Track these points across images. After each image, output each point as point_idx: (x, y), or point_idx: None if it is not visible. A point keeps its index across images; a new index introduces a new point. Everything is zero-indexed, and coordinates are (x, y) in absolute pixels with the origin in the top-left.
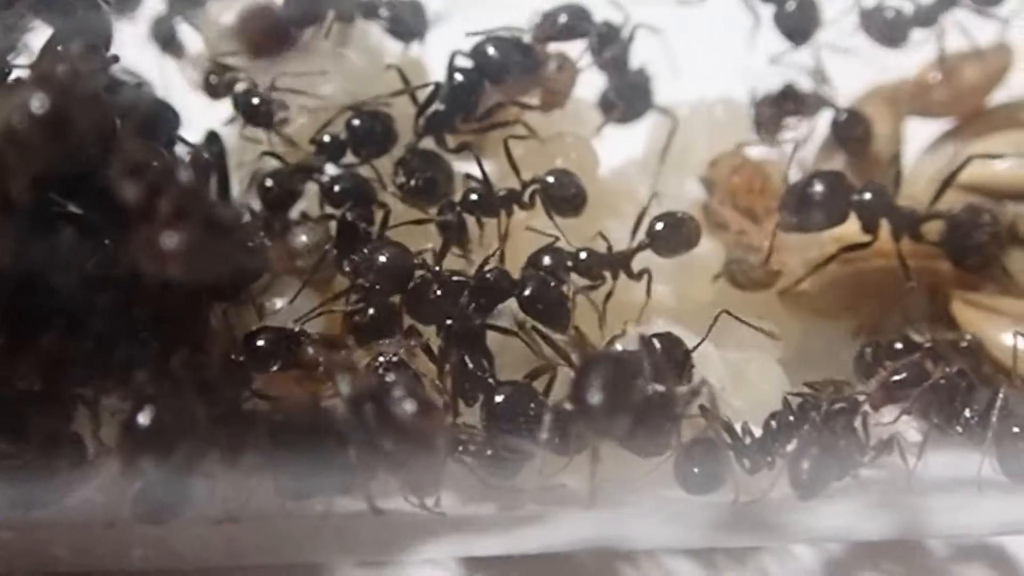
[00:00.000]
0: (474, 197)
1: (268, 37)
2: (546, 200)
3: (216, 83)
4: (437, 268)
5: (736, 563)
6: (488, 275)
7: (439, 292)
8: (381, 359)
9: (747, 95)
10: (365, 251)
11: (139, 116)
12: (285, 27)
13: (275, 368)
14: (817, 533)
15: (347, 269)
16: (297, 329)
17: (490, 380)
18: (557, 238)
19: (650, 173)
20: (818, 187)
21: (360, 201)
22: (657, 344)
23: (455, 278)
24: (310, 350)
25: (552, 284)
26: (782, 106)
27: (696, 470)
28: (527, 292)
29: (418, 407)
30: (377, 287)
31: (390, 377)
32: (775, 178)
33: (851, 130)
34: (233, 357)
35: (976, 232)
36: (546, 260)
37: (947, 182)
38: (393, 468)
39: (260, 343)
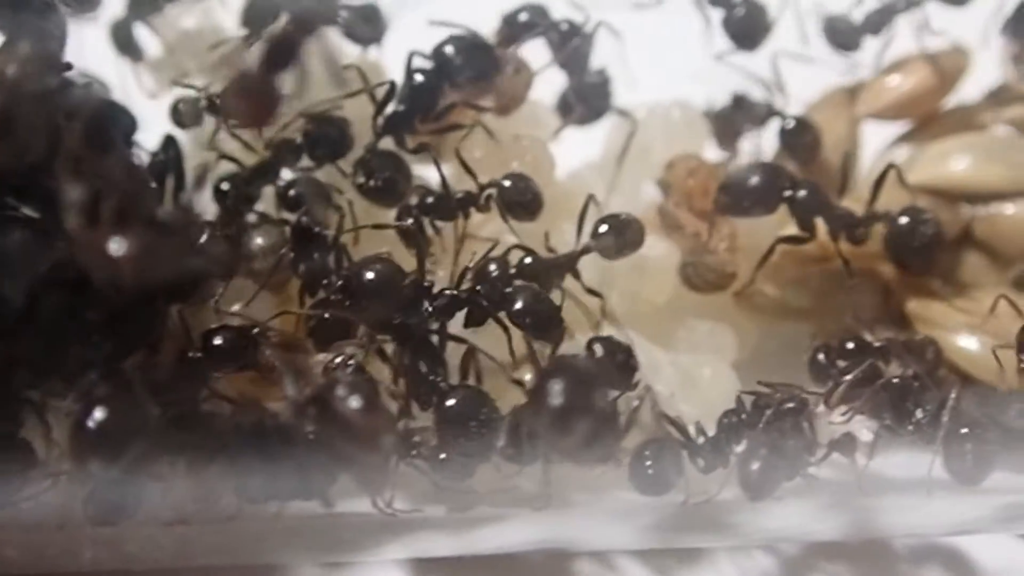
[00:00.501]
0: (431, 200)
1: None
2: (502, 204)
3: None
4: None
5: (689, 563)
6: (478, 287)
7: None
8: (336, 361)
9: (704, 98)
10: (354, 271)
11: (88, 118)
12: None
13: (232, 368)
14: (770, 533)
15: (335, 286)
16: (256, 329)
17: (442, 384)
18: (496, 243)
19: (607, 175)
20: (754, 175)
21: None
22: (600, 349)
23: (446, 291)
24: (267, 351)
25: (544, 296)
26: (735, 116)
27: (650, 471)
28: (518, 305)
29: (362, 406)
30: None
31: (339, 378)
32: None
33: (799, 137)
34: (190, 356)
35: (916, 234)
36: (492, 268)
37: (876, 187)
38: (342, 468)
39: (217, 342)
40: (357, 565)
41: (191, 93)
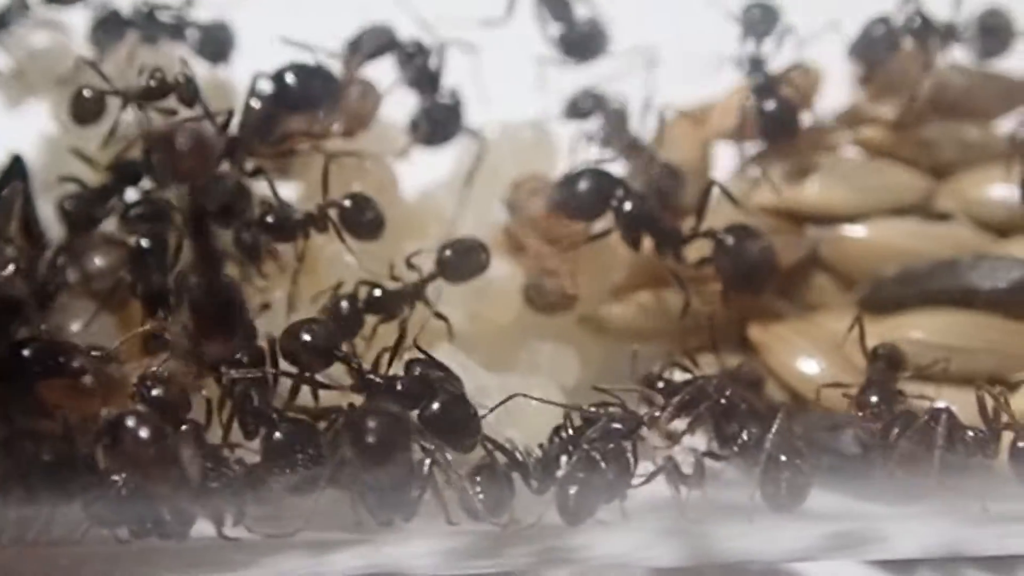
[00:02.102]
0: (270, 220)
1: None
2: (343, 224)
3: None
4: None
5: None
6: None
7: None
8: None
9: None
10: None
11: None
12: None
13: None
14: (605, 558)
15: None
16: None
17: (272, 415)
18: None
19: (457, 195)
20: (584, 181)
21: (157, 226)
22: (417, 371)
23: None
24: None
25: (465, 402)
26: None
27: (480, 496)
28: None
29: (148, 437)
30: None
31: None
32: None
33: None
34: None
35: (744, 252)
36: (344, 306)
37: (701, 203)
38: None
39: (26, 353)
40: None
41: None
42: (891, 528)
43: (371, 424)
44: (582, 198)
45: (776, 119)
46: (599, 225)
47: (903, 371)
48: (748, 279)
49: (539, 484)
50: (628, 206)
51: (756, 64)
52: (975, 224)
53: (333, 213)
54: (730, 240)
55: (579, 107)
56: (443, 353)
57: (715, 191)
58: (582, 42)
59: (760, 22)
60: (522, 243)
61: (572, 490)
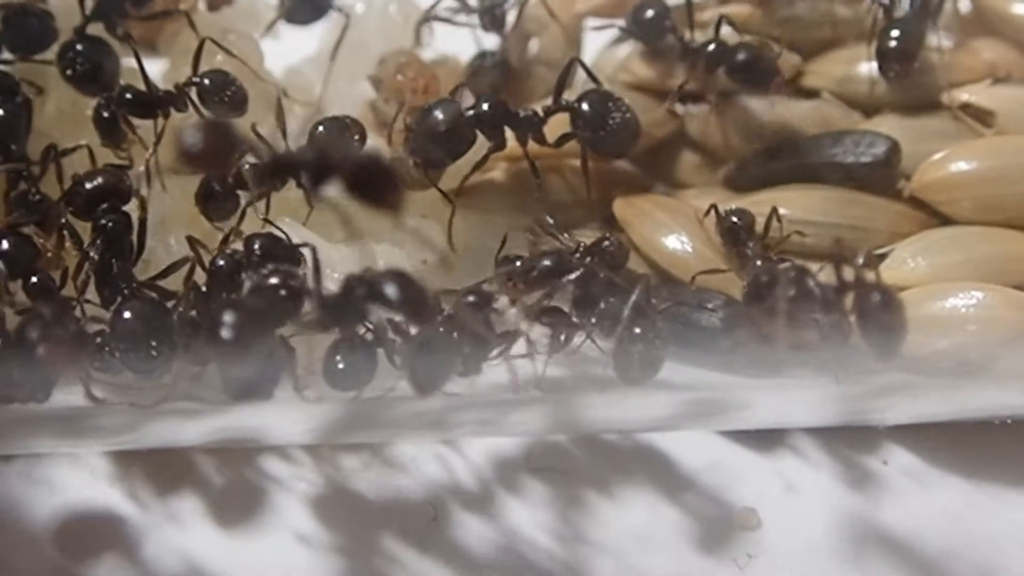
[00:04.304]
0: (129, 96)
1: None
2: (202, 101)
3: None
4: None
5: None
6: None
7: None
8: None
9: None
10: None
11: None
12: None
13: None
14: (466, 428)
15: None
16: None
17: (126, 290)
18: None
19: (324, 71)
20: (438, 113)
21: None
22: (257, 245)
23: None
24: None
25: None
26: None
27: (340, 367)
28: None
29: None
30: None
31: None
32: (441, 78)
33: None
34: None
35: (603, 117)
36: (214, 185)
37: (561, 81)
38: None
39: None
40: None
41: None
42: (751, 398)
43: (224, 313)
44: (440, 131)
45: None
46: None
47: (753, 234)
48: (608, 142)
49: (402, 360)
50: (484, 107)
51: None
52: (841, 101)
53: (192, 92)
54: (586, 106)
55: None
56: (285, 227)
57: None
58: None
59: None
60: (388, 119)
61: (424, 359)
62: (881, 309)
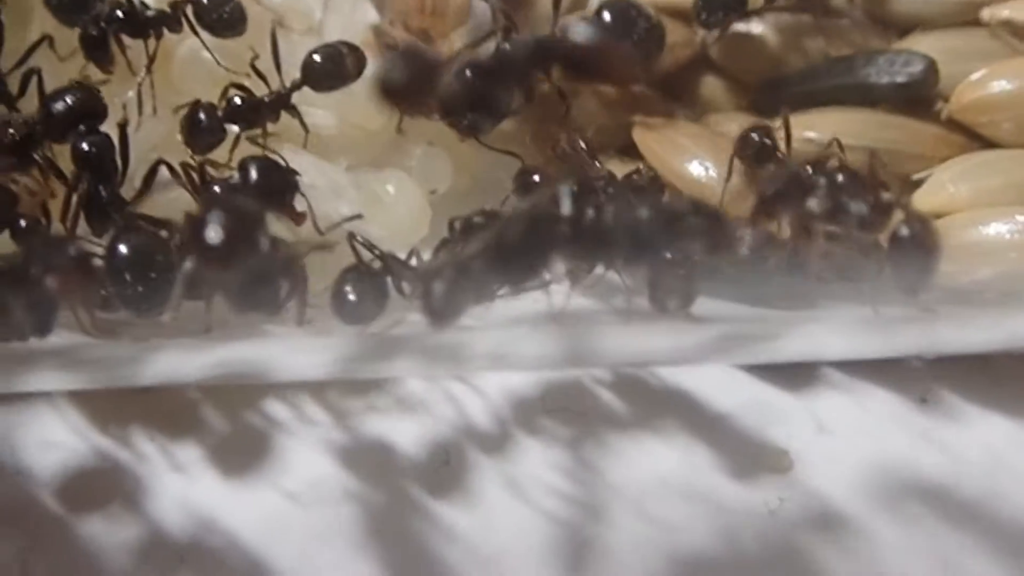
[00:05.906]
0: (119, 14)
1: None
2: (200, 21)
3: None
4: None
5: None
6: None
7: None
8: None
9: None
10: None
11: None
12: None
13: None
14: (479, 361)
15: None
16: None
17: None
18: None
19: None
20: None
21: None
22: (254, 171)
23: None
24: None
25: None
26: None
27: (351, 299)
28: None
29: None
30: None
31: None
32: None
33: None
34: None
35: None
36: (201, 116)
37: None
38: None
39: None
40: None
41: None
42: (782, 330)
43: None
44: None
45: None
46: None
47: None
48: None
49: (412, 290)
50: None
51: None
52: (872, 20)
53: (188, 9)
54: (608, 16)
55: None
56: (286, 152)
57: None
58: None
59: None
60: (393, 42)
61: (439, 289)
62: (913, 237)
